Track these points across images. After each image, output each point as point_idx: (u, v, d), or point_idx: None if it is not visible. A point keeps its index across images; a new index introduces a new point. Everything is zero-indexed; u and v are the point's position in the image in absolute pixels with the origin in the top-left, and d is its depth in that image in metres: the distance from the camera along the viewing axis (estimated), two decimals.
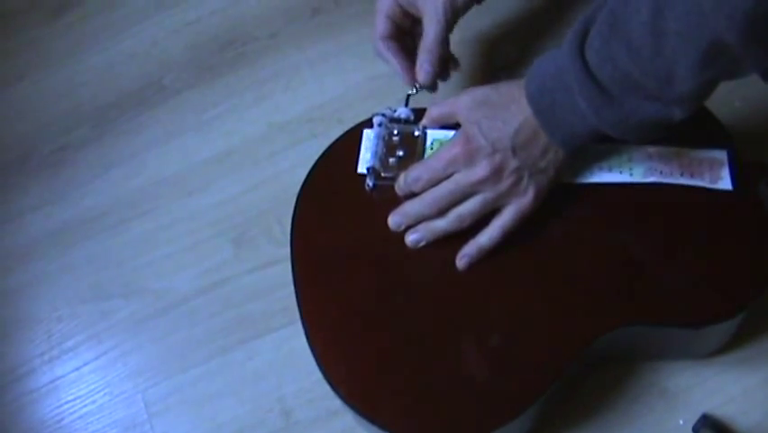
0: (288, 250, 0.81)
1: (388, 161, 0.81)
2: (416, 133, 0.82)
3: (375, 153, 0.81)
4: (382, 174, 0.81)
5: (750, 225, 0.77)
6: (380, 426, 0.73)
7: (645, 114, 0.66)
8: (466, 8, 0.84)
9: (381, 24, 0.87)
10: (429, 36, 0.84)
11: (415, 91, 0.85)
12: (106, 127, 1.08)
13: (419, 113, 0.83)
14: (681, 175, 0.79)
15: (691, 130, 0.78)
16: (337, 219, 0.82)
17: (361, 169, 0.83)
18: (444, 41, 0.84)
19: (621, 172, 0.79)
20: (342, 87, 1.04)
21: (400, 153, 0.81)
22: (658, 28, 0.60)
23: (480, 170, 0.74)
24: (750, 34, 0.55)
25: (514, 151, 0.73)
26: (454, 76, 0.91)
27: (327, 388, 0.74)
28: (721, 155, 0.79)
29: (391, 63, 0.86)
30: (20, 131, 1.10)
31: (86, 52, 1.14)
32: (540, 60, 0.72)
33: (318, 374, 0.75)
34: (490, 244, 0.77)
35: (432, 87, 0.87)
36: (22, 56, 1.15)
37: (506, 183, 0.74)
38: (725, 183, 0.78)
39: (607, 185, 0.78)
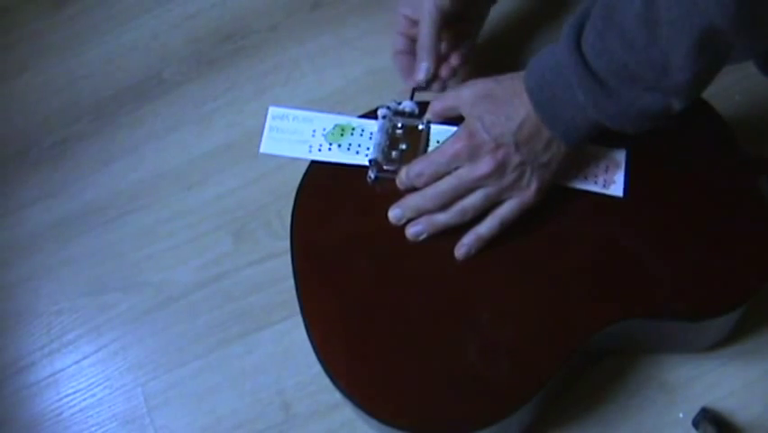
0: (287, 243, 0.81)
1: (390, 154, 0.81)
2: (420, 127, 0.82)
3: (378, 146, 0.81)
4: (384, 167, 0.81)
5: (750, 220, 0.77)
6: (380, 419, 0.73)
7: (644, 104, 0.67)
8: (454, 6, 0.84)
9: (394, 41, 0.90)
10: (420, 36, 0.85)
11: (424, 86, 0.86)
12: (106, 120, 1.07)
13: (424, 106, 0.83)
14: (576, 177, 0.78)
15: (691, 123, 0.78)
16: (337, 212, 0.82)
17: (263, 149, 0.82)
18: (434, 39, 0.84)
19: None
20: (341, 80, 1.04)
21: (403, 146, 0.81)
22: (650, 18, 0.60)
23: (484, 165, 0.74)
24: (740, 18, 0.56)
25: (517, 146, 0.73)
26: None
27: (327, 381, 0.74)
28: (620, 156, 0.79)
29: (401, 75, 0.89)
30: (20, 124, 1.10)
31: (86, 45, 1.14)
32: (539, 55, 0.72)
33: (318, 368, 0.75)
34: (489, 234, 0.77)
35: (436, 86, 0.88)
36: (22, 49, 1.15)
37: (509, 178, 0.74)
38: (617, 189, 0.78)
39: None
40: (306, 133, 0.83)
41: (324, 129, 0.83)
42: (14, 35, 1.17)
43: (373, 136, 0.82)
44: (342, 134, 0.82)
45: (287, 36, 1.09)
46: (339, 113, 0.84)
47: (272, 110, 0.84)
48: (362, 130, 0.83)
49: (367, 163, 0.81)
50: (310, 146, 0.82)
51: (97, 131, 1.07)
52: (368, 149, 0.82)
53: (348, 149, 0.82)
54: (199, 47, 1.11)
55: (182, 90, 1.08)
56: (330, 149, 0.82)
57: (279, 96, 1.04)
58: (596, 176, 0.78)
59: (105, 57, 1.12)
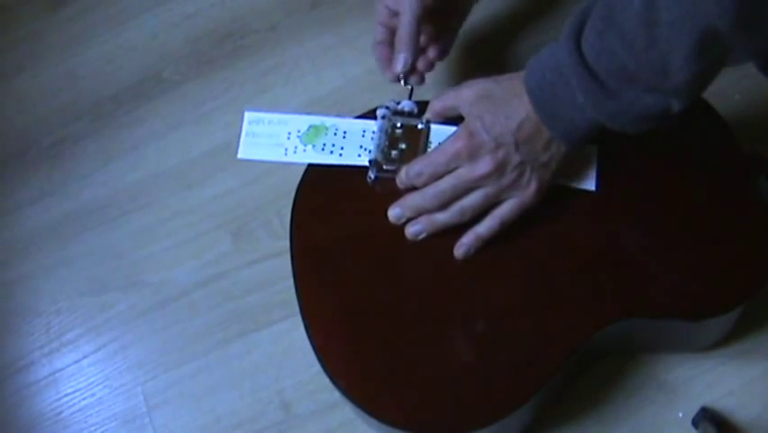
0: (287, 243, 0.81)
1: (390, 154, 0.81)
2: (420, 127, 0.82)
3: (378, 146, 0.81)
4: (384, 167, 0.80)
5: (749, 219, 0.77)
6: (379, 418, 0.73)
7: (644, 105, 0.66)
8: (436, 0, 0.84)
9: (375, 31, 0.88)
10: (400, 27, 0.84)
11: (403, 84, 0.85)
12: (105, 120, 1.07)
13: (423, 106, 0.82)
14: None
15: (690, 123, 0.78)
16: (336, 211, 0.82)
17: (241, 154, 0.82)
18: (414, 32, 0.84)
19: None
20: (341, 79, 1.04)
21: (403, 146, 0.81)
22: (650, 19, 0.60)
23: (484, 165, 0.74)
24: (740, 20, 0.56)
25: (516, 146, 0.73)
26: (457, 70, 0.90)
27: (326, 380, 0.74)
28: (591, 150, 0.79)
29: (380, 66, 0.88)
30: (19, 124, 1.10)
31: (86, 45, 1.14)
32: (539, 55, 0.72)
33: (317, 367, 0.75)
34: (488, 234, 0.77)
35: (415, 80, 0.87)
36: (21, 49, 1.15)
37: (508, 178, 0.74)
38: (589, 183, 0.78)
39: (605, 177, 0.79)
40: (282, 135, 0.83)
41: (299, 131, 0.83)
42: (13, 35, 1.17)
43: (347, 135, 0.82)
44: (316, 135, 0.83)
45: (286, 35, 1.09)
46: (338, 114, 0.84)
47: (248, 115, 0.84)
48: (336, 129, 0.83)
49: (346, 162, 0.81)
50: (286, 149, 0.82)
51: (97, 130, 1.07)
52: (342, 148, 0.82)
53: (323, 149, 0.82)
54: (199, 46, 1.10)
55: (181, 90, 1.08)
56: (305, 150, 0.82)
57: (279, 96, 1.05)
58: (568, 169, 0.78)
59: (104, 57, 1.12)
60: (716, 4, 0.55)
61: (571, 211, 0.78)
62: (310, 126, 0.83)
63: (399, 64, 0.85)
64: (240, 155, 0.83)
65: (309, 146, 0.82)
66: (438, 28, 0.88)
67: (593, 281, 0.76)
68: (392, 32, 0.87)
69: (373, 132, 0.82)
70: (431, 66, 0.88)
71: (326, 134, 0.82)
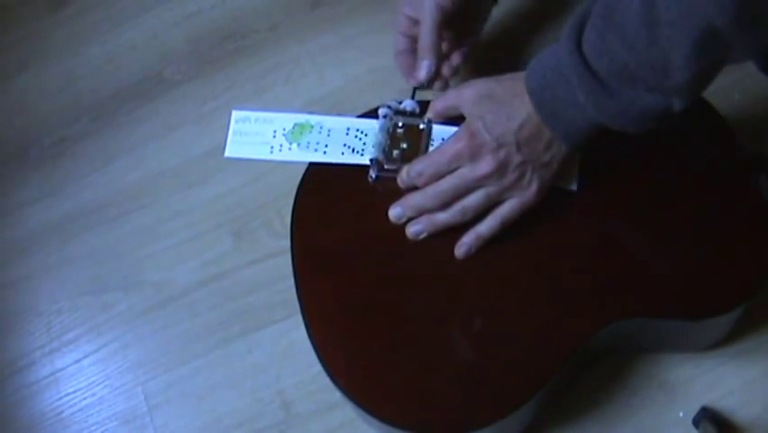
0: (287, 242, 0.81)
1: (391, 153, 0.81)
2: (421, 126, 0.82)
3: (379, 145, 0.81)
4: (385, 166, 0.81)
5: (750, 218, 0.77)
6: (380, 418, 0.73)
7: (645, 105, 0.67)
8: (455, 5, 0.84)
9: (395, 41, 0.89)
10: (422, 35, 0.85)
11: (425, 85, 0.86)
12: (106, 120, 1.08)
13: (425, 105, 0.83)
14: None
15: (690, 123, 0.78)
16: (337, 211, 0.82)
17: (228, 153, 0.83)
18: (435, 38, 0.84)
19: None
20: (342, 79, 1.04)
21: (404, 146, 0.81)
22: (651, 18, 0.60)
23: (485, 165, 0.74)
24: (739, 19, 0.56)
25: (518, 146, 0.73)
26: (468, 69, 0.90)
27: (327, 380, 0.74)
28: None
29: (403, 75, 0.89)
30: (19, 123, 1.10)
31: (86, 45, 1.14)
32: (541, 55, 0.72)
33: (318, 367, 0.75)
34: (489, 234, 0.77)
35: (438, 85, 0.88)
36: (21, 48, 1.15)
37: (510, 178, 0.74)
38: (571, 184, 0.78)
39: (606, 177, 0.79)
40: (268, 134, 0.83)
41: (285, 129, 0.83)
42: (14, 35, 1.17)
43: (332, 133, 0.83)
44: (301, 133, 0.83)
45: (287, 35, 1.09)
46: (339, 114, 0.84)
47: (235, 114, 0.84)
48: (321, 127, 0.83)
49: (330, 160, 0.81)
50: (272, 147, 0.83)
51: (97, 130, 1.07)
52: (326, 146, 0.82)
53: (307, 147, 0.82)
54: (199, 46, 1.11)
55: (182, 89, 1.08)
56: (290, 148, 0.82)
57: (279, 96, 1.05)
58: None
59: (104, 56, 1.12)
60: (715, 3, 0.56)
61: (572, 211, 0.78)
62: (295, 124, 0.83)
63: (423, 71, 0.85)
64: (227, 154, 0.83)
65: (294, 144, 0.82)
66: (458, 33, 0.88)
67: (594, 281, 0.76)
68: (413, 41, 0.87)
69: (357, 129, 0.82)
70: (455, 71, 0.88)
71: (311, 132, 0.83)
